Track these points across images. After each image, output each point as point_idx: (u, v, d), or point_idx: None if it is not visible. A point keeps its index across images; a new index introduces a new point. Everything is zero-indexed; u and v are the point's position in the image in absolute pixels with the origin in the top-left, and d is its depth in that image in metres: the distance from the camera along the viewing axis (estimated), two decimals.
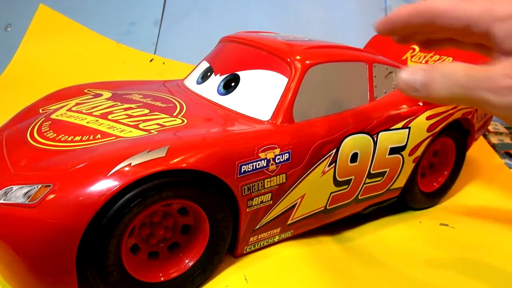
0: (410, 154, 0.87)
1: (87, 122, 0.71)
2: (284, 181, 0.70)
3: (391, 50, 1.27)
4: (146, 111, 0.76)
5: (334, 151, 0.75)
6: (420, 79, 0.43)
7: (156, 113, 0.75)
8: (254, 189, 0.67)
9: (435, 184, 1.02)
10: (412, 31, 0.47)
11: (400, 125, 0.84)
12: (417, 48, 1.25)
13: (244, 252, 0.73)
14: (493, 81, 0.39)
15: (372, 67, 0.86)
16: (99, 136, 0.66)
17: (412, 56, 1.24)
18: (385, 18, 0.48)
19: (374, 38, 1.42)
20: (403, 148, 0.85)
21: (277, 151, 0.68)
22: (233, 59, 0.88)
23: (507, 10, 0.38)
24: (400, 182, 0.90)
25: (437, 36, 0.47)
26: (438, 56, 1.19)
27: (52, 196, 0.54)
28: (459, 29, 0.43)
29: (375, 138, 0.80)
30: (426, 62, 1.19)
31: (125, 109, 0.76)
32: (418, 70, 0.44)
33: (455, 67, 0.41)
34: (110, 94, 0.86)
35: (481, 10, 0.40)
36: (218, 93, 0.82)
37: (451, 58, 1.17)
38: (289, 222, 0.76)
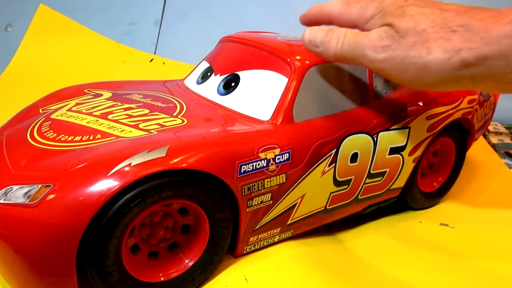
0: (410, 154, 0.87)
1: (87, 122, 0.71)
2: (284, 181, 0.70)
3: None
4: (146, 111, 0.76)
5: (334, 151, 0.75)
6: (320, 37, 0.60)
7: (156, 113, 0.75)
8: (254, 189, 0.67)
9: (435, 184, 1.02)
10: (328, 23, 0.64)
11: (400, 125, 0.84)
12: None
13: (244, 252, 0.74)
14: (371, 42, 0.54)
15: None
16: (99, 136, 0.66)
17: None
18: (303, 14, 0.71)
19: None
20: (403, 148, 0.85)
21: (277, 151, 0.68)
22: (233, 59, 0.88)
23: (370, 13, 0.56)
24: (400, 182, 0.90)
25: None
26: None
27: (52, 196, 0.54)
28: (351, 26, 0.60)
29: (375, 138, 0.80)
30: None
31: (125, 109, 0.76)
32: (319, 31, 0.61)
33: (347, 31, 0.58)
34: (110, 94, 0.86)
35: (357, 15, 0.58)
36: (218, 93, 0.82)
37: None
38: (289, 222, 0.76)
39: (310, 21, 0.68)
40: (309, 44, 0.61)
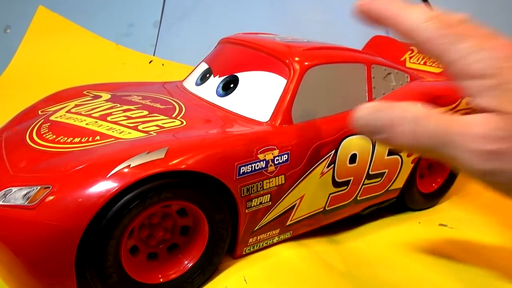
0: (408, 155, 0.87)
1: (86, 124, 0.71)
2: (283, 182, 0.70)
3: (389, 51, 1.27)
4: (145, 112, 0.76)
5: (333, 152, 0.75)
6: (383, 118, 0.38)
7: (155, 114, 0.75)
8: (253, 190, 0.67)
9: (434, 184, 1.02)
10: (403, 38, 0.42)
11: None
12: (415, 49, 1.25)
13: (243, 253, 0.74)
14: (472, 140, 0.34)
15: (371, 68, 0.86)
16: (98, 137, 0.66)
17: (410, 57, 1.24)
18: (363, 4, 0.42)
19: (373, 39, 1.43)
20: None
21: (276, 152, 0.69)
22: (232, 61, 0.88)
23: (477, 69, 0.35)
24: (399, 183, 0.90)
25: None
26: None
27: (51, 197, 0.54)
28: (442, 64, 0.39)
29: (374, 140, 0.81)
30: (425, 63, 1.20)
31: (124, 111, 0.76)
32: (380, 107, 0.38)
33: (427, 113, 0.36)
34: (109, 96, 0.86)
35: (456, 59, 0.36)
36: (217, 94, 0.83)
37: None
38: (288, 223, 0.76)
39: (371, 19, 0.45)
40: (366, 129, 0.39)
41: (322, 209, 0.80)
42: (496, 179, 0.34)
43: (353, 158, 0.79)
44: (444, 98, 0.92)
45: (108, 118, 0.73)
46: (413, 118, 0.36)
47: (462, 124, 0.35)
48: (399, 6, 0.41)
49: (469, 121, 0.35)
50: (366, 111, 0.39)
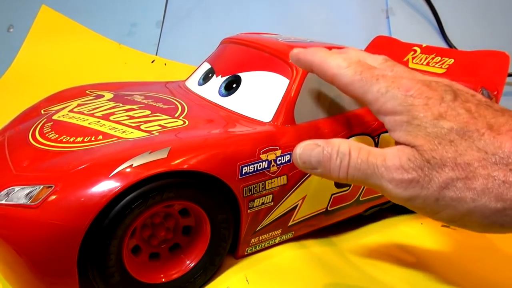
0: None
1: (89, 123, 0.71)
2: (285, 182, 0.70)
3: (392, 51, 1.27)
4: (148, 112, 0.76)
5: None
6: (316, 157, 0.44)
7: (158, 114, 0.75)
8: (255, 191, 0.67)
9: None
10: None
11: None
12: (418, 49, 1.25)
13: (245, 253, 0.73)
14: (390, 171, 0.38)
15: None
16: (100, 137, 0.66)
17: (413, 58, 1.24)
18: (295, 54, 0.55)
19: (376, 39, 1.42)
20: None
21: (278, 152, 0.68)
22: (235, 61, 0.88)
23: (390, 107, 0.40)
24: None
25: None
26: (439, 58, 1.20)
27: (54, 197, 0.54)
28: (362, 104, 0.45)
29: (376, 140, 0.80)
30: (428, 64, 1.19)
31: (127, 110, 0.77)
32: (313, 145, 0.45)
33: (352, 148, 0.42)
34: (112, 95, 0.87)
35: (373, 99, 0.42)
36: (220, 94, 0.83)
37: (453, 60, 1.17)
38: (290, 223, 0.76)
39: (303, 66, 0.55)
40: (303, 165, 0.46)
41: (324, 210, 0.80)
42: (416, 204, 0.38)
43: None
44: None
45: (111, 118, 0.73)
46: (343, 153, 0.41)
47: (381, 156, 0.40)
48: (323, 55, 0.49)
49: (387, 153, 0.40)
50: (303, 150, 0.46)
